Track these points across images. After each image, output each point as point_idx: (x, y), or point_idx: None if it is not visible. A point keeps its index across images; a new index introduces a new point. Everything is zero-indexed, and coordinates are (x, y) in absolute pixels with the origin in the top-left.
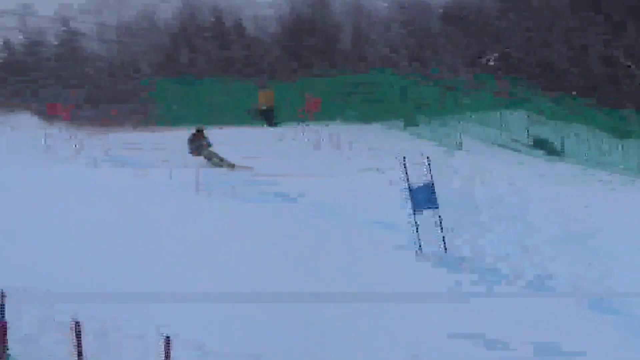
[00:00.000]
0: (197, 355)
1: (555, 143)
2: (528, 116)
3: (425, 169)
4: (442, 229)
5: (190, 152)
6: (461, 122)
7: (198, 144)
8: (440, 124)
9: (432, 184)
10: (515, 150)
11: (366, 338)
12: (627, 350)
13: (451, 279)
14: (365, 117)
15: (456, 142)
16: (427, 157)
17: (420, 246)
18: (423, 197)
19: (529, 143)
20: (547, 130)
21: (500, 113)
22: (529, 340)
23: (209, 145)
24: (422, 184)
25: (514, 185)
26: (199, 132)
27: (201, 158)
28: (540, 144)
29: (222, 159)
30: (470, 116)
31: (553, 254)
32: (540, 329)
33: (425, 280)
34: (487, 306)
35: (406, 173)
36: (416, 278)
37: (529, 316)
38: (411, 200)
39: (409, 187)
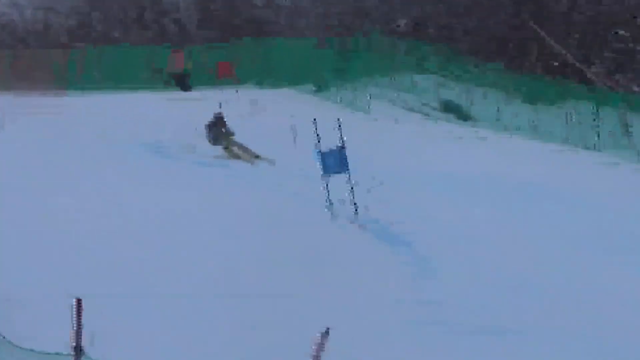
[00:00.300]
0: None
1: (465, 107)
2: (438, 80)
3: (336, 133)
4: (352, 191)
5: (209, 141)
6: (372, 87)
7: (217, 132)
8: (352, 88)
9: (343, 148)
10: (425, 114)
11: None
12: None
13: (361, 240)
14: (278, 82)
15: (366, 106)
16: (339, 120)
17: (331, 209)
18: (334, 161)
19: (439, 107)
20: (457, 95)
21: (411, 77)
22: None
23: (231, 133)
24: (333, 148)
25: (422, 148)
26: (219, 118)
27: (219, 148)
28: (450, 108)
29: (245, 149)
30: (381, 80)
31: (454, 217)
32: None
33: (336, 242)
34: (399, 267)
35: (317, 137)
36: (328, 239)
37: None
38: (322, 164)
39: (320, 151)
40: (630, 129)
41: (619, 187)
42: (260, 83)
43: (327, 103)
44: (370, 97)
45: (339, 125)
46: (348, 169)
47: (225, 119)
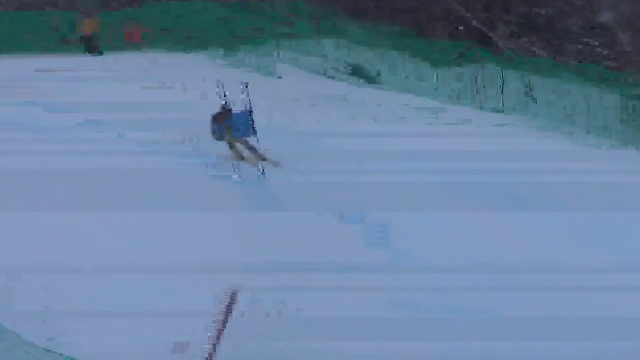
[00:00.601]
0: None
1: (372, 71)
2: (346, 44)
3: (243, 96)
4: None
5: (213, 135)
6: (281, 51)
7: (220, 126)
8: (260, 52)
9: (250, 111)
10: (333, 77)
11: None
12: None
13: (271, 202)
14: (187, 46)
15: (274, 70)
16: (246, 84)
17: (238, 172)
18: (241, 124)
19: (347, 71)
20: (364, 58)
21: (319, 42)
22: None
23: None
24: (240, 111)
25: (329, 110)
26: (225, 109)
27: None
28: (358, 72)
29: (252, 149)
30: (290, 45)
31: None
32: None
33: (245, 204)
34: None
35: (225, 100)
36: (236, 202)
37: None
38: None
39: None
40: (533, 92)
41: (528, 149)
42: (170, 47)
43: (235, 67)
44: (278, 62)
45: (246, 89)
46: (255, 132)
47: (232, 110)
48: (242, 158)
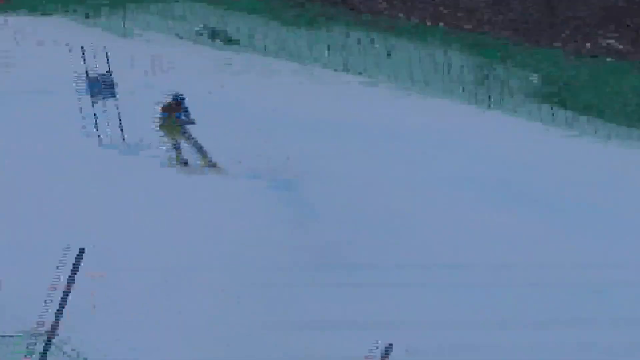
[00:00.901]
0: None
1: (231, 32)
2: (201, 7)
3: (103, 59)
4: (120, 117)
5: (159, 125)
6: (142, 14)
7: (165, 119)
8: (120, 14)
9: (111, 74)
10: (191, 39)
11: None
12: None
13: (131, 163)
14: (47, 8)
15: (137, 33)
16: (105, 47)
17: (99, 135)
18: (100, 86)
19: (205, 32)
20: (224, 21)
21: (177, 5)
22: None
23: (191, 122)
24: (99, 74)
25: (196, 74)
26: (176, 102)
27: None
28: (216, 34)
29: (200, 150)
30: (151, 7)
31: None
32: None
33: (109, 166)
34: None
35: (84, 62)
36: (100, 164)
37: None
38: (89, 90)
39: (87, 77)
40: (391, 54)
41: (384, 109)
42: (31, 9)
43: (97, 30)
44: (139, 24)
45: (106, 53)
46: (115, 94)
47: (185, 102)
48: (184, 164)
